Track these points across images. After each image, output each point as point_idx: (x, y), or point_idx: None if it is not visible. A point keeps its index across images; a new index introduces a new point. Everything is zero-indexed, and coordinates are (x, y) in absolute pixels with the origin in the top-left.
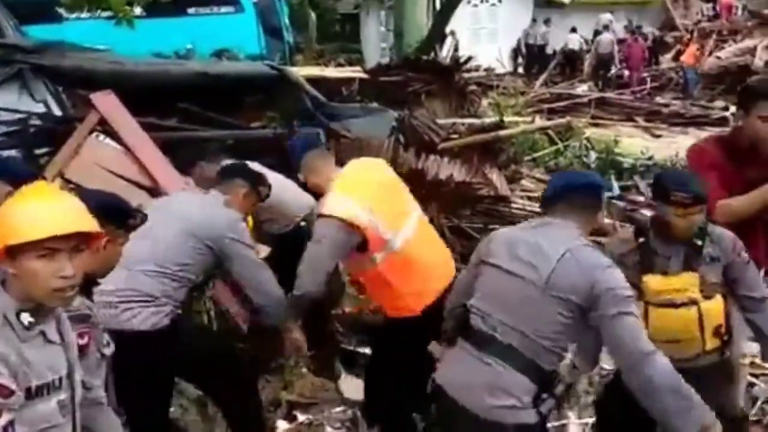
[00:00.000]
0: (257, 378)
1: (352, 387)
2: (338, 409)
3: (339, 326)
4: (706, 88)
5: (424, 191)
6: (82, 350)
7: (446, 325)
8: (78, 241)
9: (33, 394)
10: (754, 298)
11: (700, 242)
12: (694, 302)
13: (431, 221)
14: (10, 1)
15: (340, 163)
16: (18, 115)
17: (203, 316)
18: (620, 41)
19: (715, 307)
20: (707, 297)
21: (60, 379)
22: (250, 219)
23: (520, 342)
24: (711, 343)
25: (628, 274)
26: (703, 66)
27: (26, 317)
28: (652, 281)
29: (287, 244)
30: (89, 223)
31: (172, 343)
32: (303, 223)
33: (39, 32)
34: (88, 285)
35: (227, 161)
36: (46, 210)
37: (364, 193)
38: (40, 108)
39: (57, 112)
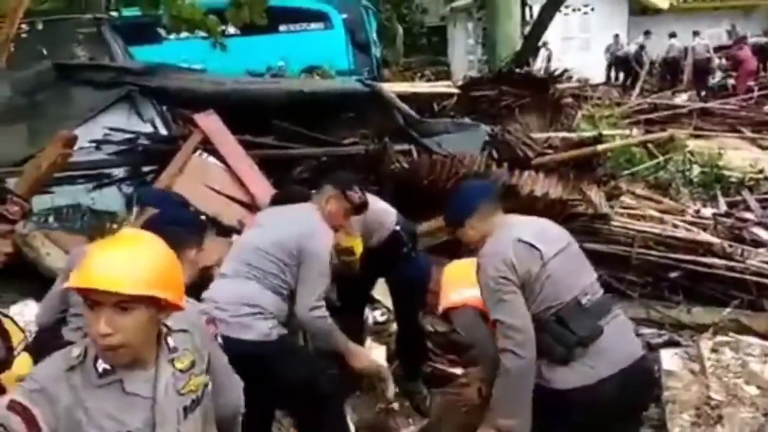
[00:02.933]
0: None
1: None
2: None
3: (431, 345)
4: None
5: (517, 208)
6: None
7: (580, 331)
8: (119, 300)
9: None
10: None
11: None
12: None
13: None
14: (116, 24)
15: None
16: (127, 135)
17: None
18: (722, 48)
19: None
20: None
21: None
22: (360, 242)
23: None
24: None
25: None
26: None
27: (102, 363)
28: None
29: (390, 250)
30: (128, 284)
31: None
32: (397, 227)
33: (141, 52)
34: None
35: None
36: (95, 261)
37: None
38: (147, 128)
39: (162, 131)
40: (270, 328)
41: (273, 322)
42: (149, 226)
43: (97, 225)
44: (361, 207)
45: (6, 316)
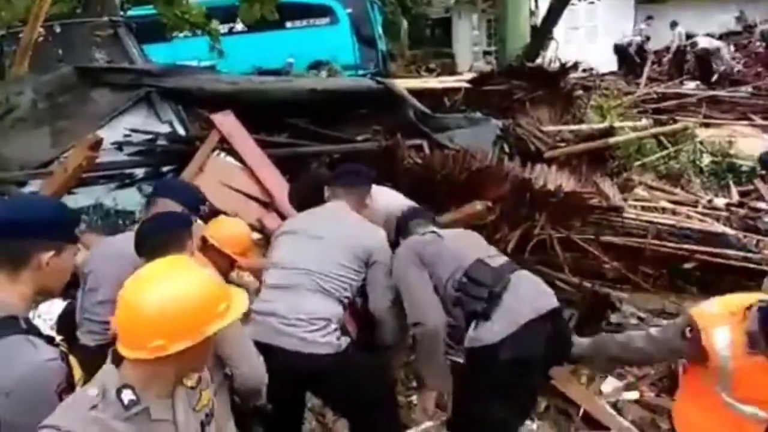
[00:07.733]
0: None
1: None
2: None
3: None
4: None
5: (531, 202)
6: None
7: (488, 281)
8: None
9: None
10: None
11: None
12: None
13: (540, 232)
14: (128, 23)
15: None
16: (146, 136)
17: None
18: (731, 34)
19: None
20: None
21: None
22: None
23: None
24: None
25: None
26: None
27: (128, 395)
28: None
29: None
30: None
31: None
32: None
33: (151, 50)
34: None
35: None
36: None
37: None
38: (165, 128)
39: (180, 131)
40: (339, 339)
41: (339, 332)
42: (153, 231)
43: (117, 225)
44: None
45: (67, 354)
